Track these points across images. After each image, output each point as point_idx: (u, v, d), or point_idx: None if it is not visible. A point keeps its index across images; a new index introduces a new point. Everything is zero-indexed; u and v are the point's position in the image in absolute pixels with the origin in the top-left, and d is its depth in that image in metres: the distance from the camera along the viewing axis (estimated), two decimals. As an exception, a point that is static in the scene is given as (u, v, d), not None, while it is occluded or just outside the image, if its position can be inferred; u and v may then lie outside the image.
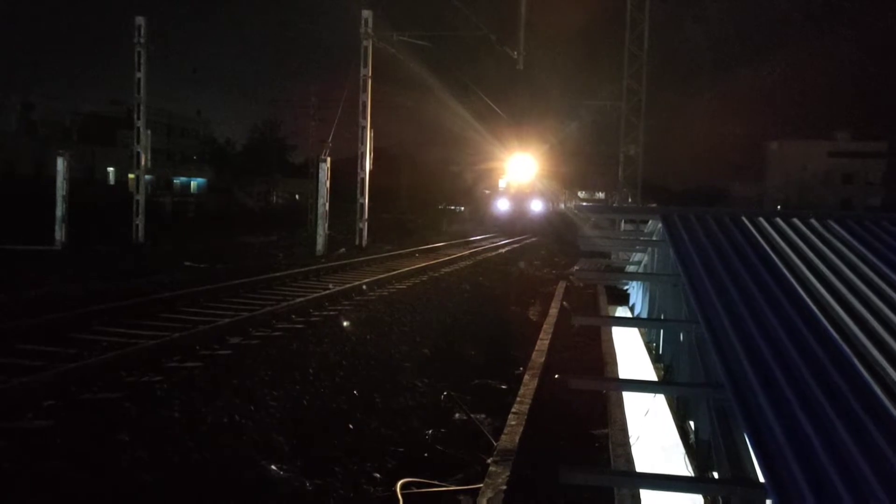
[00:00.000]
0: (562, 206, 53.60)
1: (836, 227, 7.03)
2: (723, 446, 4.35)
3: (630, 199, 30.05)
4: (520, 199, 42.15)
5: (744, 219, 7.40)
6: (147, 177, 26.61)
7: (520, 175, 42.71)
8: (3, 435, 5.29)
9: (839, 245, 6.41)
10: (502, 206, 42.43)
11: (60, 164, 21.33)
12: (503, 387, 7.91)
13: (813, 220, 7.26)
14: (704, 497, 4.57)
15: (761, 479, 3.26)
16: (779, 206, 55.84)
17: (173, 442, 5.32)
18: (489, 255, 23.94)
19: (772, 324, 4.59)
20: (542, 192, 43.10)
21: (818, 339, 4.38)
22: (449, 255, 21.75)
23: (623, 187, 30.36)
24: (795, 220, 7.30)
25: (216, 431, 5.63)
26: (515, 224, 39.90)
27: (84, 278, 13.57)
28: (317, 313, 10.88)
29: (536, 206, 42.10)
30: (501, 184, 44.33)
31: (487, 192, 46.20)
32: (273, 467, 5.16)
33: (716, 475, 4.79)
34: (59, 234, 20.79)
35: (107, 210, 27.17)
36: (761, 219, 7.42)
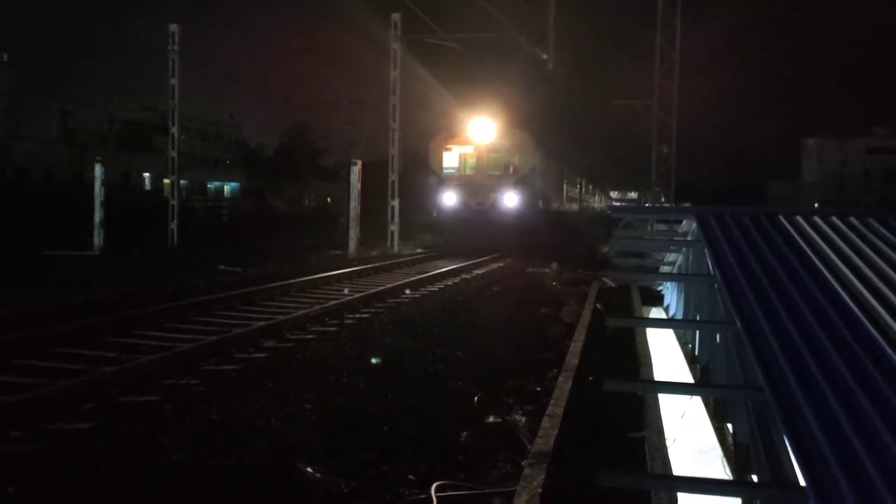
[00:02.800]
0: (572, 205, 38.73)
1: (877, 225, 6.89)
2: (762, 449, 4.29)
3: (663, 199, 29.73)
4: (479, 187, 24.96)
5: (781, 218, 7.29)
6: (182, 182, 26.99)
7: (481, 147, 25.21)
8: (46, 437, 5.41)
9: (880, 244, 6.29)
10: (448, 200, 24.99)
11: (98, 170, 21.72)
12: (537, 389, 7.87)
13: (852, 219, 7.13)
14: (743, 500, 4.51)
15: (801, 482, 3.21)
16: (816, 205, 54.97)
17: (211, 444, 5.39)
18: (519, 256, 23.90)
19: (810, 324, 4.51)
20: (521, 176, 25.40)
21: (858, 338, 4.30)
22: (480, 257, 21.73)
23: (655, 187, 30.06)
24: (834, 219, 7.17)
25: (252, 433, 5.69)
26: (472, 231, 24.32)
27: (122, 283, 13.79)
28: (350, 316, 10.95)
29: (510, 201, 24.76)
30: (449, 161, 25.56)
31: (433, 178, 26.50)
32: (309, 469, 5.19)
33: (755, 478, 4.72)
34: (98, 239, 21.16)
35: (143, 215, 27.60)
36: (799, 217, 7.31)
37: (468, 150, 25.34)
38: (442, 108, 27.22)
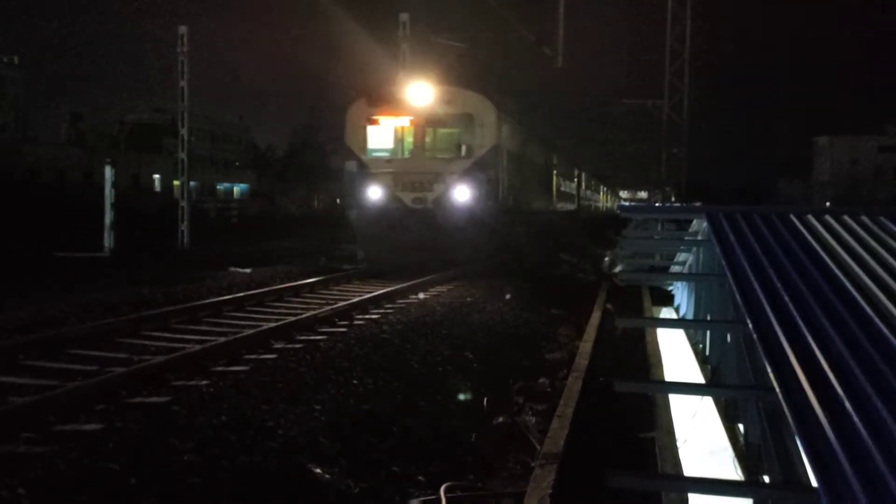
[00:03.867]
0: (565, 204, 31.28)
1: (889, 223, 6.85)
2: (773, 449, 4.26)
3: (673, 198, 29.59)
4: (419, 176, 17.55)
5: (791, 216, 7.26)
6: (191, 183, 27.07)
7: (423, 117, 17.69)
8: (57, 437, 5.43)
9: (892, 242, 6.24)
10: (374, 195, 17.55)
11: (108, 172, 21.81)
12: (547, 390, 7.86)
13: (864, 217, 7.09)
14: (755, 501, 4.48)
15: (813, 482, 3.19)
16: (828, 203, 54.67)
17: (221, 445, 5.40)
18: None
19: (822, 324, 4.48)
20: (478, 159, 17.65)
21: (871, 338, 4.26)
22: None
23: (666, 186, 29.94)
24: (845, 217, 7.13)
25: (263, 434, 5.69)
26: (407, 241, 17.07)
27: (132, 284, 13.84)
28: (360, 317, 10.94)
29: (461, 196, 17.25)
30: (376, 139, 18.12)
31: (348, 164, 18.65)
32: (318, 470, 5.19)
33: (766, 479, 4.70)
34: (108, 240, 21.25)
35: (153, 216, 27.70)
36: (810, 216, 7.27)
37: (403, 122, 17.78)
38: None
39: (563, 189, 30.73)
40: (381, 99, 18.09)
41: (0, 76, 60.65)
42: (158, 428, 5.65)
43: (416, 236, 16.89)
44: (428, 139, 17.99)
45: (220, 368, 7.62)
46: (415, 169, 17.57)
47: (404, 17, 24.32)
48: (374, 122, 17.93)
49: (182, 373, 7.28)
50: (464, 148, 17.80)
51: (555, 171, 28.35)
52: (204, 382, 6.97)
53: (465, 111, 17.83)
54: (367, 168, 17.75)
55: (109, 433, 5.50)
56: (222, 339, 8.65)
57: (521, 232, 20.54)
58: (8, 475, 4.63)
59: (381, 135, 18.05)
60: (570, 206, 33.08)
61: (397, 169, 17.65)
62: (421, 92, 17.57)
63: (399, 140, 18.02)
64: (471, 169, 17.37)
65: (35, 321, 9.64)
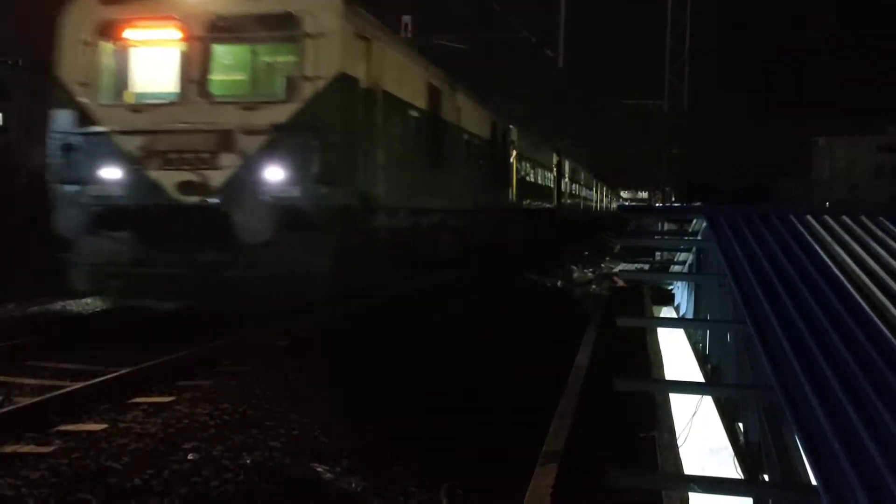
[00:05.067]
0: (532, 201, 23.58)
1: (888, 223, 6.88)
2: (773, 448, 4.29)
3: (673, 199, 29.62)
4: (192, 141, 8.72)
5: (791, 217, 7.30)
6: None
7: (205, 22, 8.89)
8: (63, 437, 5.46)
9: (891, 242, 6.28)
10: (105, 174, 8.86)
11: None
12: (549, 390, 7.87)
13: (863, 217, 7.13)
14: (755, 500, 4.51)
15: (813, 481, 3.21)
16: (827, 203, 54.66)
17: (224, 444, 5.42)
18: (529, 250, 23.52)
19: (821, 323, 4.51)
20: (316, 98, 8.58)
21: (870, 338, 4.29)
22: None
23: (666, 186, 29.96)
24: (845, 217, 7.17)
25: (266, 433, 5.72)
26: (156, 269, 8.68)
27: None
28: (364, 315, 10.93)
29: (273, 176, 8.47)
30: (111, 67, 9.43)
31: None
32: (320, 468, 5.22)
33: (766, 478, 4.73)
34: (110, 241, 21.23)
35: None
36: (809, 216, 7.32)
37: (165, 34, 9.62)
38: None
39: (530, 180, 22.90)
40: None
41: (3, 78, 60.74)
42: (163, 427, 5.67)
43: (187, 258, 8.88)
44: (214, 68, 9.48)
45: (223, 369, 7.64)
46: (185, 124, 9.08)
47: (406, 19, 24.33)
48: (108, 36, 9.56)
49: (186, 372, 7.31)
50: (281, 81, 9.67)
51: (514, 153, 20.19)
52: (208, 382, 6.99)
53: (280, 8, 9.27)
54: (93, 122, 9.30)
55: (114, 433, 5.53)
56: (225, 339, 8.66)
57: (423, 248, 12.97)
58: (11, 475, 4.65)
59: (123, 59, 9.81)
60: (547, 205, 25.99)
61: (151, 124, 9.19)
62: None
63: (156, 69, 9.83)
64: (294, 123, 8.90)
65: (39, 321, 9.66)
